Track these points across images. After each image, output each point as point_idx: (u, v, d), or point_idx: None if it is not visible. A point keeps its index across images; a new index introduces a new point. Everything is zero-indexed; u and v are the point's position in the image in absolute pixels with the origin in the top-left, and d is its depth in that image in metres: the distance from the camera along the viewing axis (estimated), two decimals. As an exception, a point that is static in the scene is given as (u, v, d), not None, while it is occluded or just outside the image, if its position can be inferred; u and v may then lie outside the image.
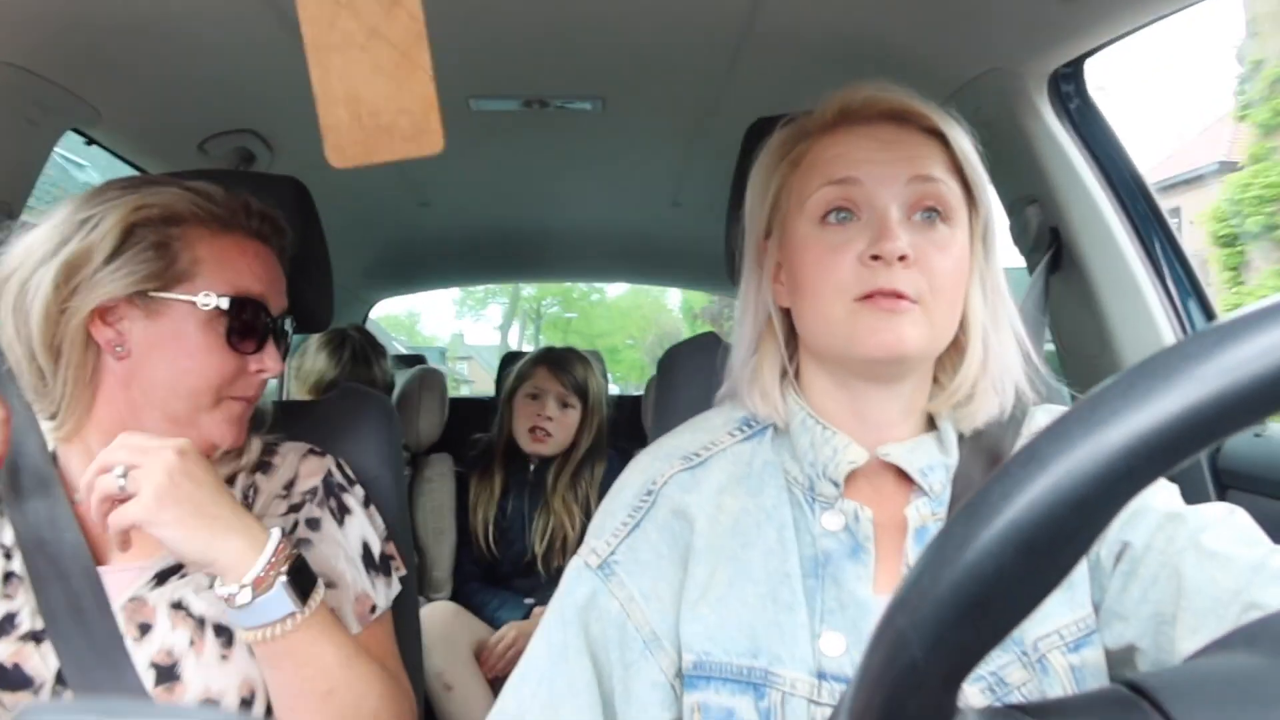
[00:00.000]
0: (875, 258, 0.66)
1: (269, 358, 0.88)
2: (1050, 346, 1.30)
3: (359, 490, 0.95)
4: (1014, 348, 0.74)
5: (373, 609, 0.88)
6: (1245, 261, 12.82)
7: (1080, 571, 0.68)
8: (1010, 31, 1.12)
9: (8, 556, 0.79)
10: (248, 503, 0.89)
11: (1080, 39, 1.10)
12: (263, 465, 0.93)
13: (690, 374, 1.06)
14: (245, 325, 0.85)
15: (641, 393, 2.50)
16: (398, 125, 0.36)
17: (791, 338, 0.78)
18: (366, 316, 3.05)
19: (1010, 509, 0.25)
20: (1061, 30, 1.09)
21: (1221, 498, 1.09)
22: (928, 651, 0.26)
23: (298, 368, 2.03)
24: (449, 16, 1.17)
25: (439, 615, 1.78)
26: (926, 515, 0.70)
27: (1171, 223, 1.22)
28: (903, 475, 0.72)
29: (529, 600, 1.90)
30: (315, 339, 2.03)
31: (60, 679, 0.75)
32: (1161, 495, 0.67)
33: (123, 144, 1.47)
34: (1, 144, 1.13)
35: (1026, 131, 1.20)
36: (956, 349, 0.73)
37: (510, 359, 2.62)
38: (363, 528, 0.92)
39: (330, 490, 0.92)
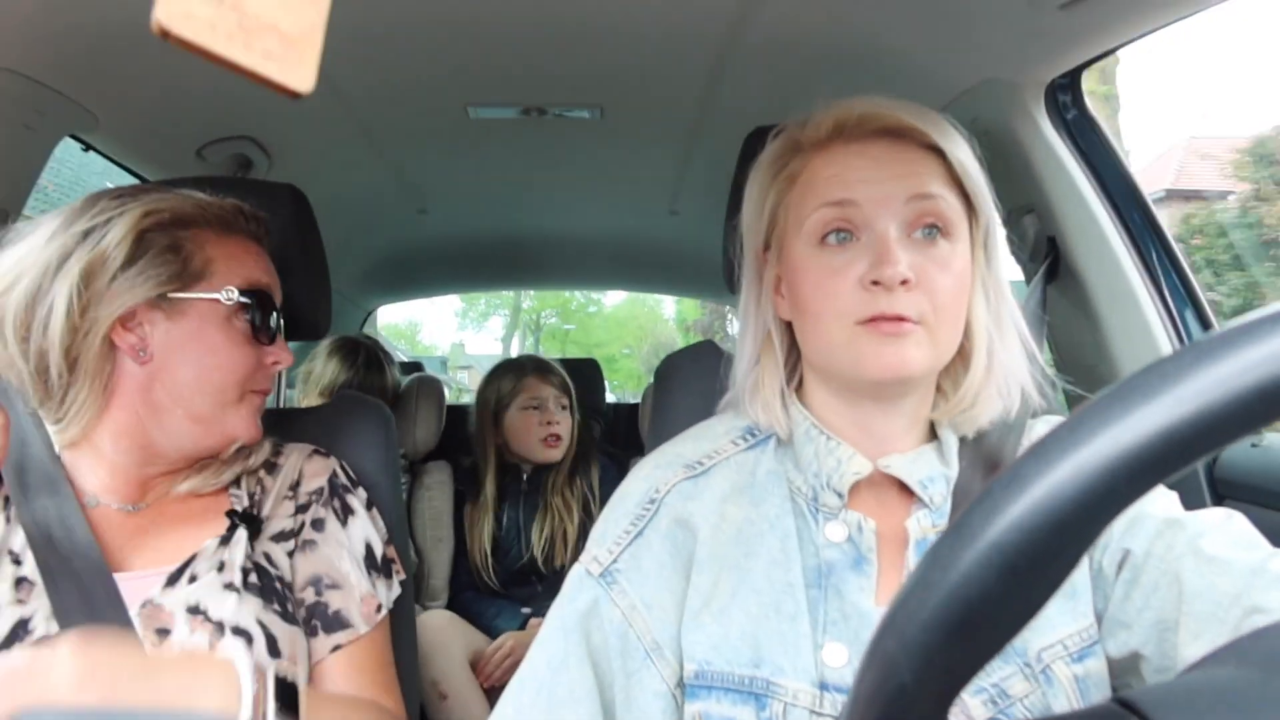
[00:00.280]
0: (876, 282, 0.66)
1: (281, 349, 0.92)
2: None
3: (362, 492, 0.96)
4: (1019, 350, 0.74)
5: (379, 608, 0.89)
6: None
7: (1083, 581, 0.67)
8: (1007, 41, 1.13)
9: (18, 562, 0.79)
10: (254, 503, 0.90)
11: (1077, 49, 1.10)
12: (267, 465, 0.93)
13: (688, 382, 1.06)
14: (261, 318, 0.88)
15: (637, 400, 2.50)
16: (261, 37, 0.31)
17: (793, 348, 0.78)
18: (364, 323, 3.05)
19: (992, 530, 0.25)
20: (1058, 40, 1.09)
21: (1218, 507, 1.09)
22: (916, 673, 0.26)
23: (308, 373, 2.05)
24: (447, 25, 1.18)
25: (435, 623, 1.77)
26: (927, 527, 0.70)
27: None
28: (905, 486, 0.71)
29: (526, 610, 1.89)
30: (325, 346, 2.05)
31: None
32: (1161, 502, 0.67)
33: (120, 150, 1.47)
34: (-2, 150, 1.13)
35: (1023, 141, 1.20)
36: (961, 358, 0.72)
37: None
38: (366, 529, 0.92)
39: (335, 491, 0.93)
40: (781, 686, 0.64)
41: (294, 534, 0.89)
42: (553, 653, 0.69)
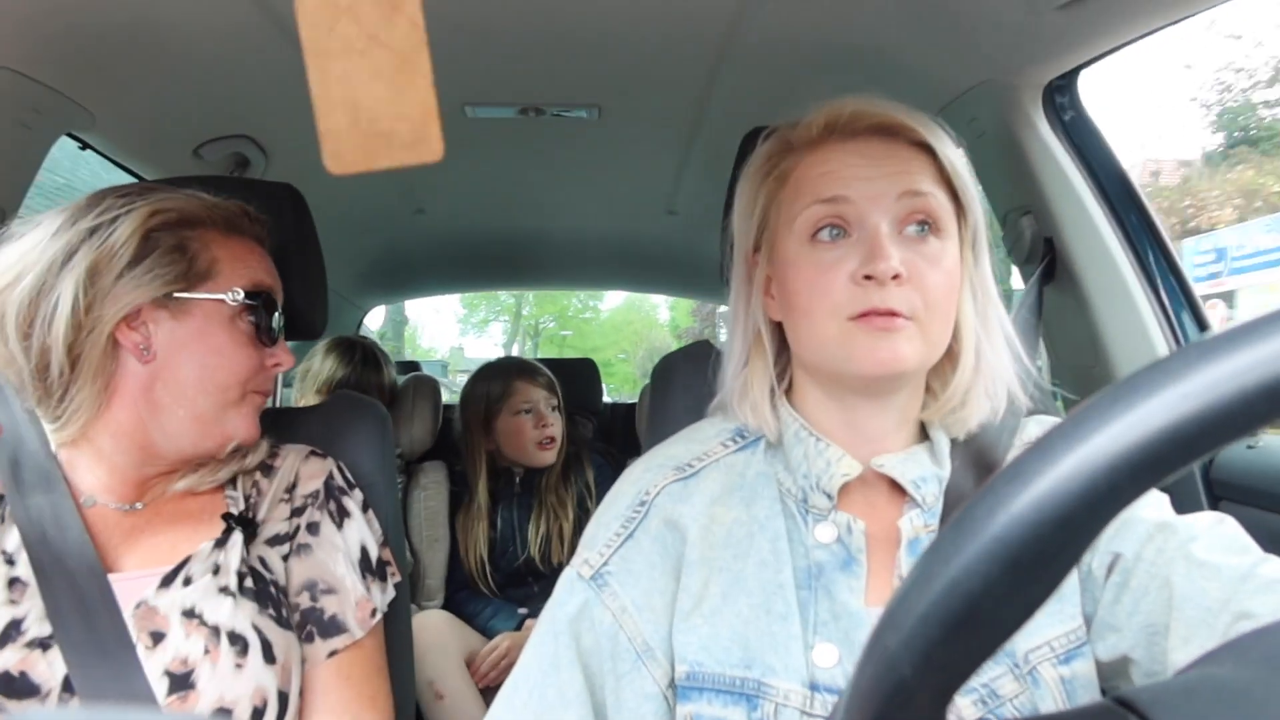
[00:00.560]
0: (868, 277, 0.66)
1: (282, 351, 0.92)
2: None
3: (358, 494, 0.95)
4: (1005, 351, 0.74)
5: (373, 612, 0.89)
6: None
7: (1070, 584, 0.68)
8: (1005, 43, 1.13)
9: (11, 563, 0.78)
10: (250, 505, 0.89)
11: (1075, 51, 1.11)
12: (263, 467, 0.93)
13: (684, 382, 1.06)
14: (265, 320, 0.88)
15: (634, 400, 2.50)
16: (396, 132, 0.35)
17: (783, 350, 0.78)
18: (361, 322, 3.05)
19: (995, 525, 0.25)
20: (1056, 42, 1.09)
21: (1214, 509, 1.09)
22: (916, 668, 0.26)
23: (305, 371, 2.06)
24: (445, 24, 1.17)
25: (431, 623, 1.77)
26: (919, 527, 0.70)
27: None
28: (896, 487, 0.71)
29: (522, 610, 1.89)
30: (322, 344, 2.06)
31: (67, 686, 0.74)
32: (1151, 506, 0.67)
33: (117, 149, 1.46)
34: (-5, 148, 1.12)
35: (1021, 143, 1.21)
36: (949, 358, 0.72)
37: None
38: (361, 532, 0.92)
39: (331, 493, 0.92)
40: (772, 687, 0.64)
41: (289, 537, 0.88)
42: (544, 656, 0.69)
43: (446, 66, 1.33)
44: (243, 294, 0.85)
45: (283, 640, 0.81)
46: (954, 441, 0.74)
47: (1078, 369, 1.26)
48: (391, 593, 0.93)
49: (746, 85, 1.36)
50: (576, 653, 0.68)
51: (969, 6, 1.07)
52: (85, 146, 1.38)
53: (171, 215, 0.82)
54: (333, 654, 0.85)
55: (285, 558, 0.87)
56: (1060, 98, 1.22)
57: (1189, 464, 0.24)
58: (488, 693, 1.70)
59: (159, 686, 0.75)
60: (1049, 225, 1.21)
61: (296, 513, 0.90)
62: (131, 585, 0.79)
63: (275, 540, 0.88)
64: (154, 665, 0.76)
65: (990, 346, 0.73)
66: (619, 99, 1.47)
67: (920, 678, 0.26)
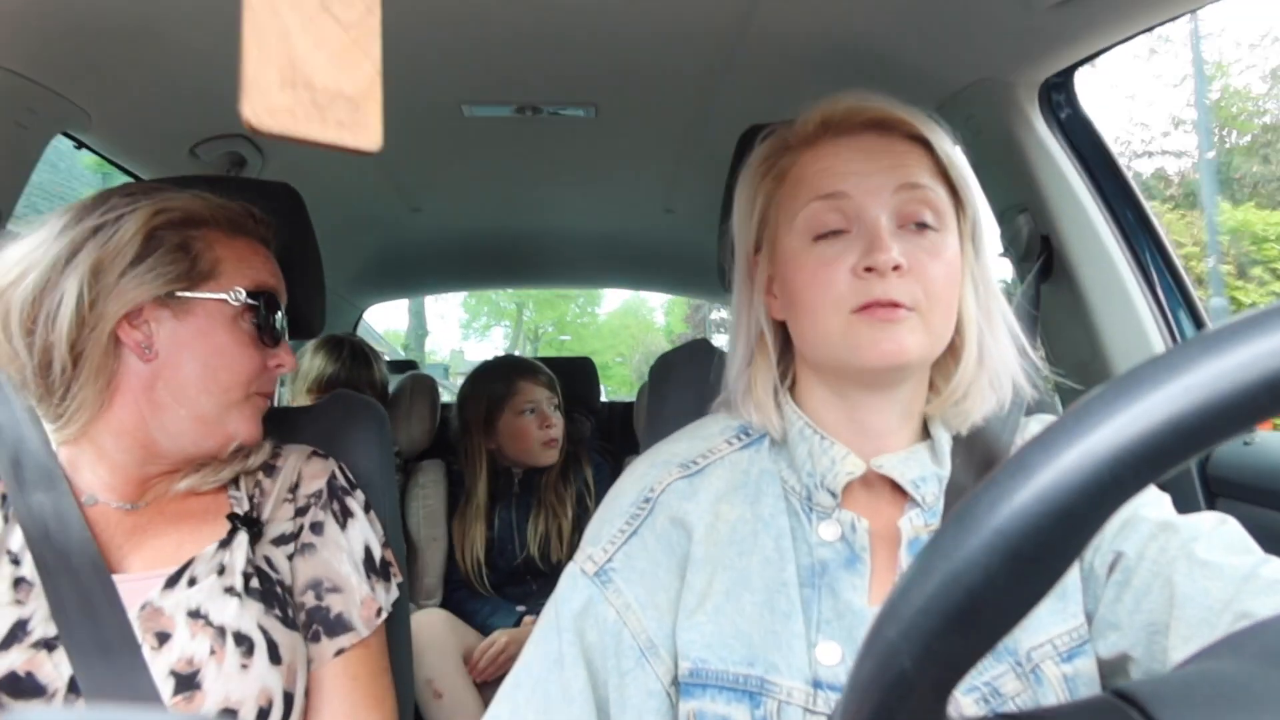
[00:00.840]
0: (869, 269, 0.66)
1: (285, 353, 0.92)
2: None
3: (360, 495, 0.95)
4: (1009, 343, 0.74)
5: (378, 612, 0.89)
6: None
7: (1072, 582, 0.68)
8: (1001, 41, 1.13)
9: (16, 563, 0.78)
10: (254, 505, 0.89)
11: (1071, 49, 1.11)
12: (266, 467, 0.93)
13: (682, 380, 1.06)
14: (267, 320, 0.88)
15: (632, 399, 2.50)
16: (333, 108, 0.34)
17: (786, 349, 0.78)
18: (358, 322, 3.04)
19: (997, 518, 0.25)
20: (1052, 40, 1.09)
21: (1211, 506, 1.09)
22: (917, 661, 0.26)
23: (295, 371, 2.03)
24: (442, 22, 1.17)
25: (430, 622, 1.77)
26: (920, 527, 0.70)
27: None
28: (897, 485, 0.72)
29: (520, 608, 1.89)
30: (310, 344, 2.05)
31: (73, 687, 0.74)
32: (1154, 505, 0.67)
33: (113, 148, 1.46)
34: (-10, 148, 1.12)
35: (1017, 140, 1.21)
36: (951, 351, 0.73)
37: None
38: (365, 532, 0.92)
39: (334, 493, 0.92)
40: (776, 685, 0.64)
41: (294, 537, 0.88)
42: (547, 652, 0.69)
43: (443, 65, 1.33)
44: (245, 294, 0.85)
45: (288, 640, 0.81)
46: (956, 438, 0.74)
47: (1074, 366, 1.26)
48: (395, 593, 0.93)
49: (743, 84, 1.36)
50: (580, 649, 0.68)
51: (965, 5, 1.07)
52: (81, 146, 1.37)
53: (175, 214, 0.83)
54: (339, 652, 0.84)
55: (290, 557, 0.87)
56: (1056, 95, 1.23)
57: (1191, 457, 0.24)
58: (486, 691, 1.69)
59: (164, 687, 0.75)
60: (1046, 223, 1.22)
61: (300, 512, 0.90)
62: (137, 586, 0.79)
63: (280, 540, 0.88)
64: (160, 666, 0.75)
65: (993, 339, 0.73)
66: (616, 98, 1.47)
67: (920, 670, 0.26)
